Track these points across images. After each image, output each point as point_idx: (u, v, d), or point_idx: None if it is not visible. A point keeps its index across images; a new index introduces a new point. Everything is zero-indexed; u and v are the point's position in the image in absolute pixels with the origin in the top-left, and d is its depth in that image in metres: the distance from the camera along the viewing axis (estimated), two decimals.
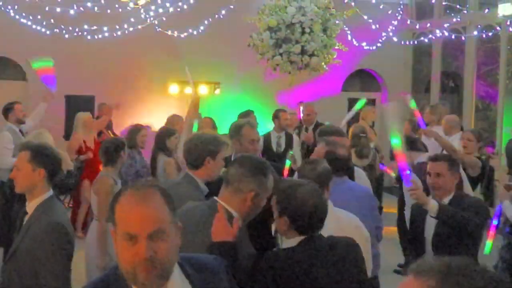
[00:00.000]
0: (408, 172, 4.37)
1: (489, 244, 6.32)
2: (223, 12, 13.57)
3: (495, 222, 6.37)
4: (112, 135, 10.71)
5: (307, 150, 9.26)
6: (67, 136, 12.22)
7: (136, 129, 8.12)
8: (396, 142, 4.09)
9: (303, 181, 3.46)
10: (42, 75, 8.88)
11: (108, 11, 12.68)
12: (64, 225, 3.80)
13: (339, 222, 3.87)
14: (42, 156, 3.88)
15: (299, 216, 3.26)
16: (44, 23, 13.08)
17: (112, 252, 5.90)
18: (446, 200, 4.85)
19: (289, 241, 3.32)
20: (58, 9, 12.60)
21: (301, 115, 12.49)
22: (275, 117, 9.80)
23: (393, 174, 8.69)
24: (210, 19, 13.59)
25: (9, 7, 12.91)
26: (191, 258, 2.43)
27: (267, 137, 9.64)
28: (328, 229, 3.42)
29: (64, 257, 3.73)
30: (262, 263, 3.16)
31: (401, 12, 15.21)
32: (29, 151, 3.89)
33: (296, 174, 4.74)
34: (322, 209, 3.34)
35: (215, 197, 3.34)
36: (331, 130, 5.32)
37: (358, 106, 9.35)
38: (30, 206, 3.88)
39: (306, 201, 3.27)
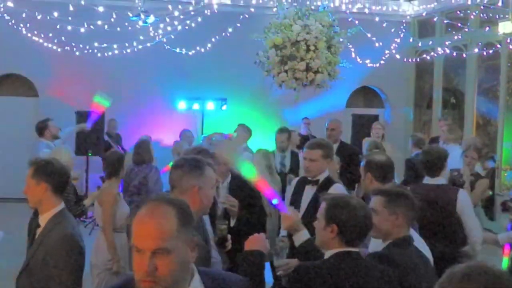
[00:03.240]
0: (276, 200, 3.90)
1: (505, 260, 6.11)
2: (230, 30, 13.85)
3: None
4: (122, 150, 10.93)
5: None
6: (77, 152, 12.39)
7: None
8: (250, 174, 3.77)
9: (352, 196, 3.63)
10: (94, 109, 9.33)
11: (118, 29, 12.90)
12: (76, 237, 3.86)
13: None
14: (44, 170, 3.97)
15: (349, 226, 3.35)
16: (56, 41, 13.36)
17: (121, 255, 6.17)
18: (383, 245, 3.85)
19: (327, 253, 3.43)
20: (69, 27, 12.83)
21: (306, 130, 12.64)
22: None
23: None
24: (217, 37, 13.85)
25: (21, 25, 13.19)
26: (213, 273, 2.52)
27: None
28: None
29: (75, 269, 3.79)
30: (295, 275, 3.34)
31: (403, 30, 15.46)
32: (33, 167, 4.01)
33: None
34: (370, 224, 3.43)
35: None
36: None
37: None
38: (42, 219, 3.95)
39: (358, 212, 3.36)
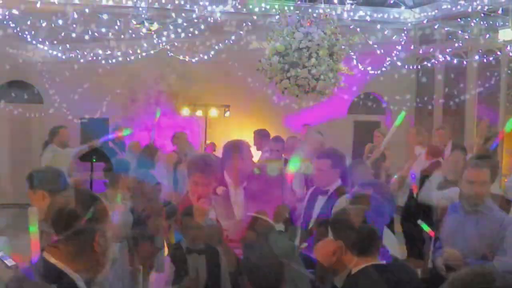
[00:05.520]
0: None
1: None
2: (233, 37, 13.94)
3: None
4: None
5: None
6: (81, 158, 12.46)
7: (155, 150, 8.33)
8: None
9: (349, 207, 3.48)
10: (114, 133, 10.19)
11: (122, 36, 13.02)
12: None
13: None
14: (36, 179, 4.12)
15: (349, 237, 3.23)
16: (60, 48, 13.46)
17: None
18: None
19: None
20: (74, 35, 12.94)
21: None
22: None
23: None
24: (221, 45, 13.93)
25: (26, 32, 13.29)
26: None
27: None
28: None
29: None
30: None
31: (405, 38, 15.54)
32: (27, 180, 4.17)
33: None
34: (370, 232, 3.27)
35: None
36: None
37: (398, 121, 8.84)
38: None
39: (355, 219, 3.25)
